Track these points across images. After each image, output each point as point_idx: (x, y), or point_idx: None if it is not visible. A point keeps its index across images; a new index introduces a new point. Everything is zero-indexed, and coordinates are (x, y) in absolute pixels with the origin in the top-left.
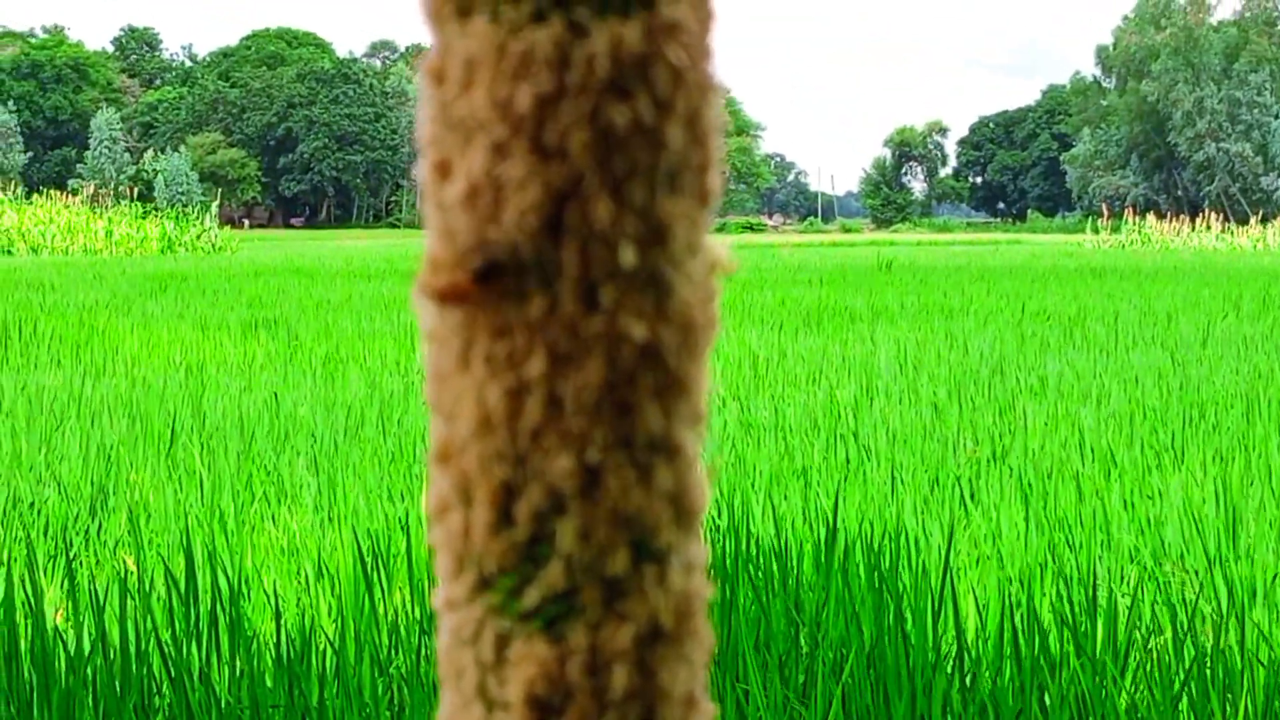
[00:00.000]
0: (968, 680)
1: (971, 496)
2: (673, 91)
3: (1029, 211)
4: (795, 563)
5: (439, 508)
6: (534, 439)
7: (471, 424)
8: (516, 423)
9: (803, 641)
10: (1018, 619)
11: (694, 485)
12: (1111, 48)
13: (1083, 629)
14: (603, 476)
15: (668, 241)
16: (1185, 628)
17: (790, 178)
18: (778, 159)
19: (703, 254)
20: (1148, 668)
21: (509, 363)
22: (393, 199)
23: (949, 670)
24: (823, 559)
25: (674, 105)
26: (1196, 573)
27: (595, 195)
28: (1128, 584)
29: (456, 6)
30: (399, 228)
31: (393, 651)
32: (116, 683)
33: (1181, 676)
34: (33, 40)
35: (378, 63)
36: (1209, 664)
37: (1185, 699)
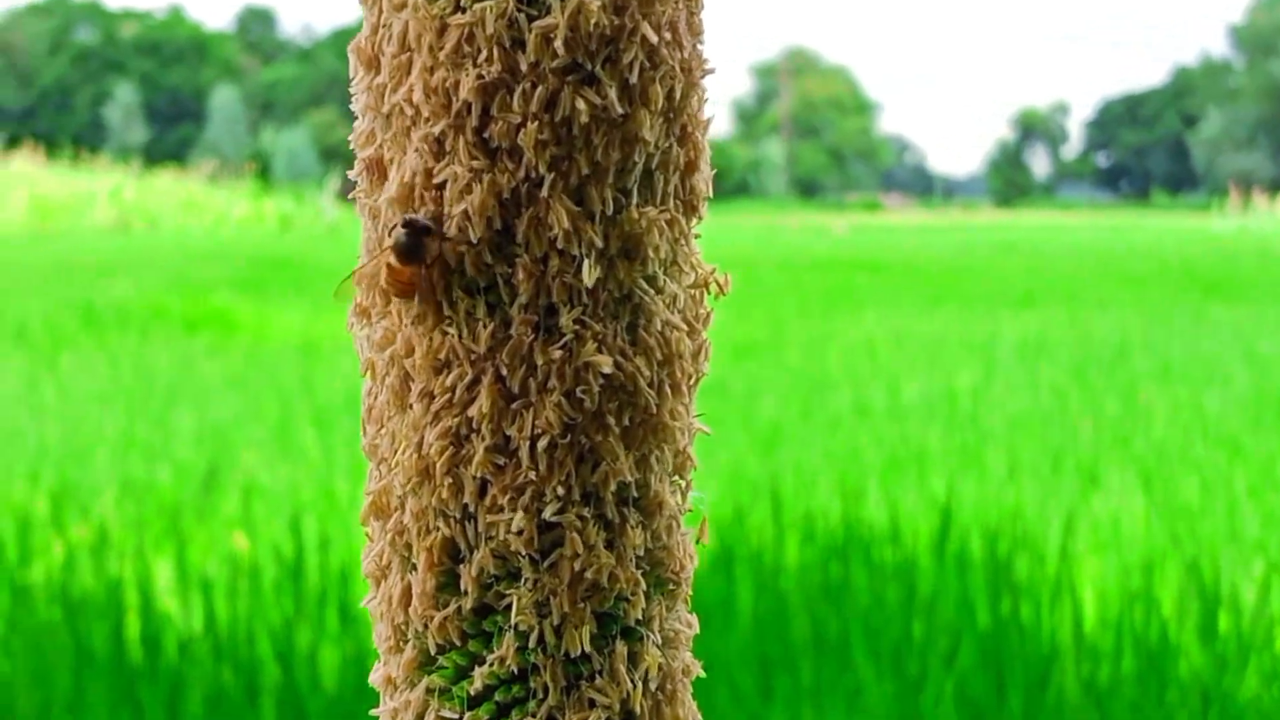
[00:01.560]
0: (1086, 670)
1: (1092, 482)
2: (648, 76)
3: (1153, 191)
4: (910, 549)
5: (376, 570)
6: (481, 491)
7: (410, 473)
8: (461, 472)
9: (916, 630)
10: (1137, 609)
11: (675, 545)
12: (1245, 25)
13: (1205, 620)
14: (562, 536)
15: (642, 256)
16: None
17: (909, 157)
18: (897, 138)
19: (688, 270)
20: (1271, 660)
21: (451, 401)
22: None
23: (1067, 660)
24: (938, 545)
25: (649, 93)
26: None
27: (552, 200)
28: (1253, 574)
29: None
30: None
31: None
32: (223, 663)
33: None
34: (153, 19)
35: None
36: None
37: None
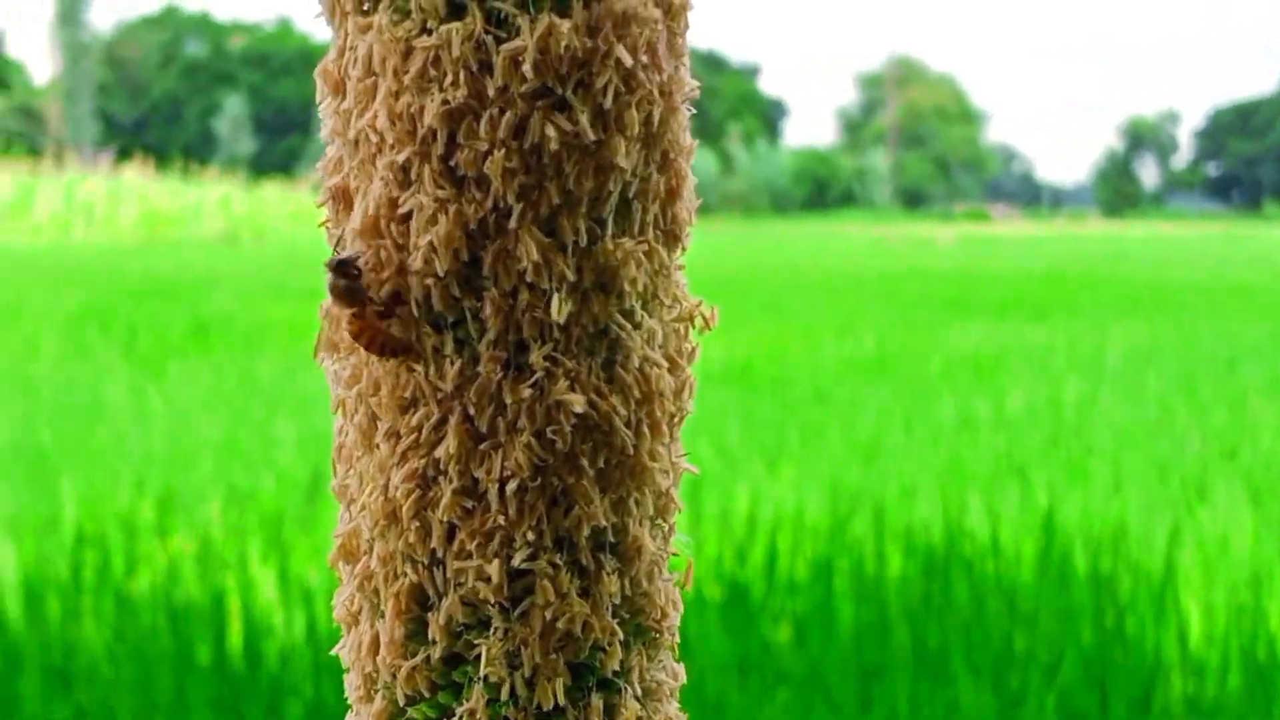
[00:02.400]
0: (1191, 686)
1: (1199, 496)
2: (624, 101)
3: (1265, 201)
4: (1013, 562)
5: (347, 615)
6: (449, 536)
7: (377, 516)
8: (428, 515)
9: (1017, 644)
10: (1245, 624)
11: (656, 592)
12: None
13: None
14: (534, 584)
15: (618, 289)
16: None
17: (1016, 166)
18: (1004, 147)
19: (670, 304)
20: None
21: (418, 441)
22: None
23: (1172, 676)
24: (1041, 558)
25: (625, 118)
26: None
27: (521, 231)
28: None
29: None
30: None
31: None
32: (324, 674)
33: None
34: (262, 31)
35: None
36: None
37: None
